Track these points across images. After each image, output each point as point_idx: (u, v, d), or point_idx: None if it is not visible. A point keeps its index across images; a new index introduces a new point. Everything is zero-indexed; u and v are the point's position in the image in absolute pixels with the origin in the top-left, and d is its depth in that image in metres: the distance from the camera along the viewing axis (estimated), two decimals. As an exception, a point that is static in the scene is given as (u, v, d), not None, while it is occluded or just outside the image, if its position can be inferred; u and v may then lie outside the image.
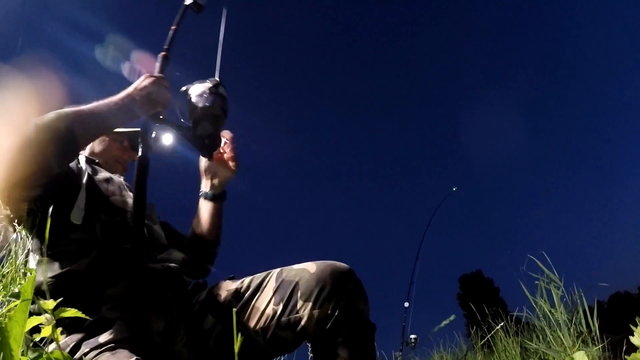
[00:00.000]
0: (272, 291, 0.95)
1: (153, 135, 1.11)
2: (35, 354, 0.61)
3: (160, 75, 1.12)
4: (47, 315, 0.56)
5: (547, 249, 2.63)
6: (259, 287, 0.98)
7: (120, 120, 1.03)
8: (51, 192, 0.95)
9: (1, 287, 1.16)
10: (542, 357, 2.54)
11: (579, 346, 2.24)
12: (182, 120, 1.14)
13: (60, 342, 0.79)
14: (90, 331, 0.89)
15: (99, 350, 0.84)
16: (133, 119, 1.06)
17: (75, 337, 0.89)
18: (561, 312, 2.48)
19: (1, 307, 1.08)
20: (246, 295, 0.98)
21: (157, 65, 1.16)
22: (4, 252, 1.26)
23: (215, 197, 1.30)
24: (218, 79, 1.15)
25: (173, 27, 1.23)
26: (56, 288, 0.93)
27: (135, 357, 0.81)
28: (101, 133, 1.18)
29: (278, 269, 1.00)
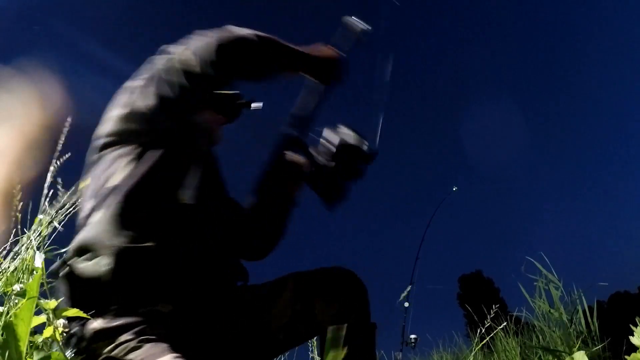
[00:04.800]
0: (290, 291, 1.01)
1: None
2: (41, 354, 0.62)
3: (342, 54, 1.17)
4: (62, 320, 0.56)
5: (547, 248, 2.64)
6: (278, 288, 1.03)
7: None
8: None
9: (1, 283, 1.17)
10: (542, 357, 2.55)
11: (579, 346, 2.25)
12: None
13: (98, 325, 0.78)
14: (143, 320, 0.82)
15: (139, 339, 0.78)
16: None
17: (119, 321, 0.80)
18: (561, 313, 2.49)
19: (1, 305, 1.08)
20: (264, 295, 1.03)
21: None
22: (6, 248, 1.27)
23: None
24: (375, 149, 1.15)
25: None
26: (120, 258, 0.82)
27: (175, 354, 0.76)
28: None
29: (294, 273, 1.05)
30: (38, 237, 1.27)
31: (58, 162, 1.34)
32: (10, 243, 1.26)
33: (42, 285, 0.72)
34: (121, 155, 0.95)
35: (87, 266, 0.81)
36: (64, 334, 0.74)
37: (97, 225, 0.86)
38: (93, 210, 0.90)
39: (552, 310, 2.54)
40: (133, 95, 0.98)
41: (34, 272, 1.08)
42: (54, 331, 0.64)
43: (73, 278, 0.82)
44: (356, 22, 1.26)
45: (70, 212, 1.41)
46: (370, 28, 1.27)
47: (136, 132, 0.96)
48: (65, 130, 1.32)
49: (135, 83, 1.00)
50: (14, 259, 1.21)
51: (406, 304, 3.59)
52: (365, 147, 1.12)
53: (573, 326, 2.42)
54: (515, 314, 3.08)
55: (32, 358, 0.62)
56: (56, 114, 1.32)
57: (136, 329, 0.79)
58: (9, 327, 0.51)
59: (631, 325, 1.49)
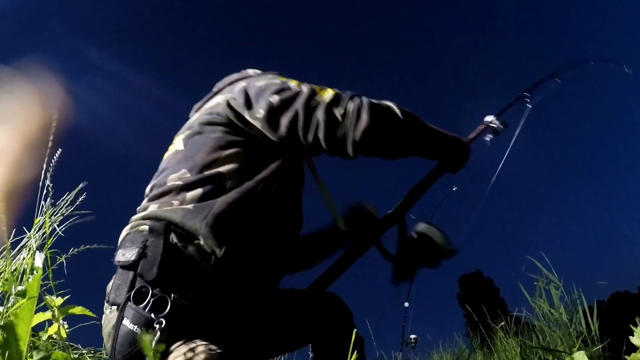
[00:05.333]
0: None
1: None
2: (41, 354, 0.62)
3: (470, 142, 1.23)
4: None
5: (547, 248, 2.65)
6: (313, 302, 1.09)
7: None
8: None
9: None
10: (542, 357, 2.55)
11: (579, 346, 2.25)
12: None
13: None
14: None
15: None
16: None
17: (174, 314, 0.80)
18: (561, 312, 2.49)
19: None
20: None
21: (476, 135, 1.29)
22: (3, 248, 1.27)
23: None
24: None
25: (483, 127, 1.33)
26: (218, 269, 0.85)
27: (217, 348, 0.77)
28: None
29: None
30: (39, 238, 1.27)
31: (52, 161, 1.34)
32: (11, 243, 1.26)
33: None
34: (233, 143, 0.96)
35: (189, 247, 0.83)
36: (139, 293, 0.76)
37: (196, 214, 0.86)
38: (191, 186, 0.91)
39: (552, 310, 2.54)
40: (278, 104, 0.96)
41: (34, 271, 1.08)
42: (59, 328, 0.65)
43: (169, 246, 0.82)
44: (494, 121, 1.33)
45: (68, 212, 1.41)
46: (505, 128, 1.33)
47: (251, 133, 0.98)
48: (53, 125, 1.31)
49: (273, 98, 0.96)
50: (14, 259, 1.21)
51: (406, 304, 3.59)
52: (447, 247, 1.15)
53: (573, 326, 2.42)
54: (515, 314, 3.08)
55: (32, 358, 0.62)
56: (56, 114, 1.32)
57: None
58: (9, 327, 0.51)
59: (631, 325, 1.49)
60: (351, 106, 0.95)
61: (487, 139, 1.33)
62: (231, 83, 1.08)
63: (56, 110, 1.34)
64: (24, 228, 1.31)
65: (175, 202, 0.89)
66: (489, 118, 1.34)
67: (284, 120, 0.94)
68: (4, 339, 0.51)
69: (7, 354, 0.51)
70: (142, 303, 0.76)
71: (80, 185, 1.48)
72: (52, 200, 1.37)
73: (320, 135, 0.94)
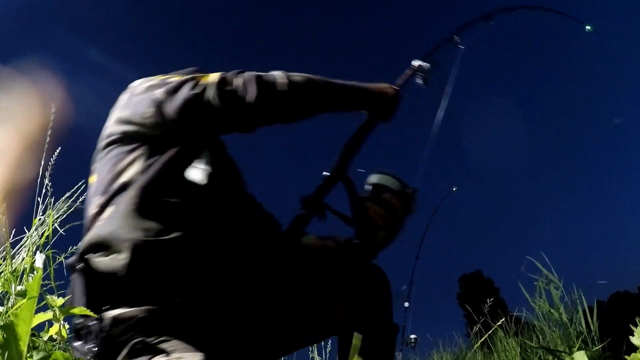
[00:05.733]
0: (309, 294, 0.99)
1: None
2: (41, 355, 0.62)
3: (399, 88, 1.18)
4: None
5: (547, 248, 2.64)
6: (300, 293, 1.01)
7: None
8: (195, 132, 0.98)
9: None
10: (542, 357, 2.55)
11: (579, 346, 2.25)
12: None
13: (119, 312, 0.76)
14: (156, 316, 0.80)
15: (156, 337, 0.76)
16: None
17: (135, 312, 0.78)
18: (561, 312, 2.49)
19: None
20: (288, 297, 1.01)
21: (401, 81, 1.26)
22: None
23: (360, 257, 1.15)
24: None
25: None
26: (138, 253, 0.81)
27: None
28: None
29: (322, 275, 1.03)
30: (39, 237, 1.27)
31: (51, 161, 1.34)
32: (10, 243, 1.26)
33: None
34: (131, 151, 0.96)
35: (102, 261, 0.81)
36: (76, 329, 0.74)
37: (111, 220, 0.86)
38: (105, 206, 0.90)
39: (552, 310, 2.54)
40: (164, 96, 0.97)
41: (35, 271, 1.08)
42: (60, 328, 0.64)
43: (89, 273, 0.81)
44: (419, 62, 1.31)
45: (66, 213, 1.41)
46: (430, 66, 1.31)
47: (147, 134, 0.97)
48: (50, 125, 1.31)
49: (156, 92, 0.98)
50: (14, 259, 1.21)
51: (406, 304, 3.59)
52: (405, 189, 1.09)
53: (573, 326, 2.42)
54: (515, 314, 3.09)
55: (32, 358, 0.62)
56: (55, 114, 1.32)
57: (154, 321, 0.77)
58: (9, 327, 0.51)
59: (631, 325, 1.49)
60: (239, 81, 0.97)
61: (420, 82, 1.31)
62: (117, 102, 1.09)
63: (55, 109, 1.34)
64: (25, 228, 1.31)
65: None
66: (415, 62, 1.33)
67: (175, 108, 0.95)
68: (4, 339, 0.51)
69: (7, 354, 0.51)
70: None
71: (80, 185, 1.49)
72: (52, 200, 1.37)
73: (216, 114, 0.96)
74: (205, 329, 0.85)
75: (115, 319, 0.77)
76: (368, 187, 1.11)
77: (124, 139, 0.98)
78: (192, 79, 0.98)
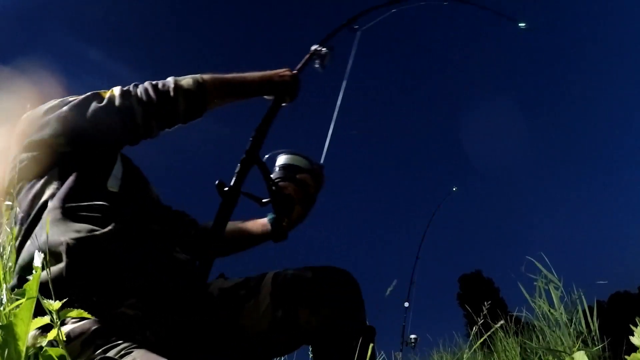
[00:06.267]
0: (268, 295, 0.95)
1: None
2: (36, 350, 0.61)
3: (297, 72, 1.27)
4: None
5: (547, 248, 2.64)
6: (254, 290, 0.97)
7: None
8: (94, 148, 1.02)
9: None
10: (542, 357, 2.55)
11: (579, 346, 2.24)
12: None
13: (69, 328, 0.74)
14: (106, 324, 0.78)
15: (119, 348, 0.74)
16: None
17: (87, 325, 0.76)
18: (561, 312, 2.49)
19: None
20: (240, 296, 0.97)
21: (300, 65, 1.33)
22: None
23: (279, 234, 1.18)
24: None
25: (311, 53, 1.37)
26: (74, 252, 0.81)
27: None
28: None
29: (273, 272, 0.99)
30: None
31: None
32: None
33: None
34: (44, 173, 0.99)
35: (42, 274, 0.77)
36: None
37: (41, 232, 0.86)
38: (31, 229, 0.92)
39: (552, 310, 2.54)
40: (68, 113, 1.00)
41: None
42: (58, 333, 0.64)
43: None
44: (316, 47, 1.37)
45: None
46: (330, 52, 1.37)
47: (59, 151, 1.01)
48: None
49: (62, 111, 1.01)
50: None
51: (406, 304, 3.60)
52: (312, 166, 1.14)
53: (573, 326, 2.42)
54: (515, 314, 3.08)
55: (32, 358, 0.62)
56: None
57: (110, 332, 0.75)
58: (9, 327, 0.51)
59: (631, 325, 1.49)
60: (139, 91, 1.03)
61: (317, 66, 1.37)
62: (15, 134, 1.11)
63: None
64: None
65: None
66: (313, 47, 1.38)
67: (86, 120, 0.98)
68: (3, 339, 0.51)
69: (6, 354, 0.51)
70: None
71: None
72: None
73: (125, 120, 1.00)
74: (161, 332, 0.83)
75: (68, 336, 0.73)
76: (278, 168, 1.14)
77: (36, 163, 1.00)
78: (95, 94, 1.03)
